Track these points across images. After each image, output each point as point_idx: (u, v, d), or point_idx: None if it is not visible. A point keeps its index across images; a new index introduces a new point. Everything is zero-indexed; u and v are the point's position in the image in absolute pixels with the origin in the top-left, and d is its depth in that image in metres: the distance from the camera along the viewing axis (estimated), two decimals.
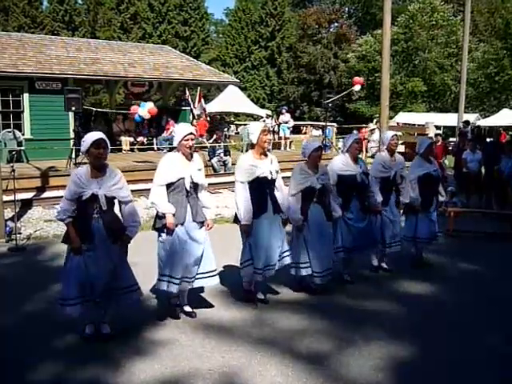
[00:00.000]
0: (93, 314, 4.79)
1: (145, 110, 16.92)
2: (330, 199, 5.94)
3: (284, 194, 5.61)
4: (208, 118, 20.77)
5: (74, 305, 4.54)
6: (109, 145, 4.61)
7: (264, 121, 22.30)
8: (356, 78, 21.68)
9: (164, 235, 4.99)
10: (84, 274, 4.49)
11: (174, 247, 4.96)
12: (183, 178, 4.93)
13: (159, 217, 4.99)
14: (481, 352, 4.71)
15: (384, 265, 7.03)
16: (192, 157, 5.06)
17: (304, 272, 5.83)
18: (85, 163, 4.79)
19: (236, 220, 5.50)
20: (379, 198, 6.56)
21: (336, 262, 6.21)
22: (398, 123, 29.64)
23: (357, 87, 21.37)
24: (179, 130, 5.02)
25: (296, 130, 28.37)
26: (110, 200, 4.59)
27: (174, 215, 4.91)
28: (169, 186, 4.93)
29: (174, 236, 4.96)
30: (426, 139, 7.86)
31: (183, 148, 4.96)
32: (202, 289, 5.60)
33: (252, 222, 5.32)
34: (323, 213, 5.81)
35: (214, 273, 5.19)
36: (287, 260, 5.66)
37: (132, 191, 4.92)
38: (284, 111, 24.35)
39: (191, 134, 4.98)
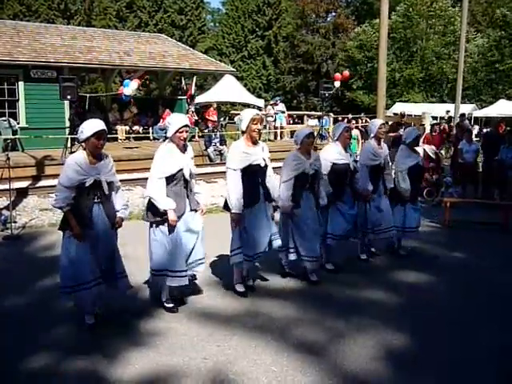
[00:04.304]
0: (94, 302, 4.82)
1: (129, 88, 16.83)
2: (320, 186, 5.95)
3: (275, 181, 5.58)
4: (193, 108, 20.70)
5: (88, 288, 4.58)
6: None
7: (260, 109, 22.18)
8: (338, 75, 21.74)
9: (163, 230, 4.91)
10: (89, 258, 4.55)
11: (176, 241, 4.90)
12: (182, 169, 4.90)
13: (157, 212, 4.87)
14: (478, 340, 4.73)
15: (372, 249, 7.10)
16: (186, 148, 5.03)
17: (292, 257, 5.85)
18: None
19: (226, 207, 5.46)
20: (370, 186, 6.58)
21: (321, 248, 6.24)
22: (394, 113, 29.63)
23: (337, 83, 21.35)
24: (174, 122, 4.92)
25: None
26: (110, 184, 4.68)
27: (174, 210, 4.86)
28: (168, 178, 4.86)
29: (175, 230, 4.90)
30: (414, 129, 7.86)
31: (177, 140, 4.91)
32: (195, 277, 5.56)
33: (244, 211, 5.28)
34: (314, 200, 5.84)
35: (203, 260, 5.18)
36: (277, 243, 5.59)
37: (128, 180, 4.92)
38: (278, 102, 24.33)
39: (186, 126, 4.93)
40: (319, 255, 5.94)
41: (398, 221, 7.03)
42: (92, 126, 4.53)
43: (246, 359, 4.28)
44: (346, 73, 22.26)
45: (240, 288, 5.65)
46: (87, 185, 4.51)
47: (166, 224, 4.88)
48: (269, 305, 5.39)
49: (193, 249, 5.03)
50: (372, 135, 6.84)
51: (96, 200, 4.61)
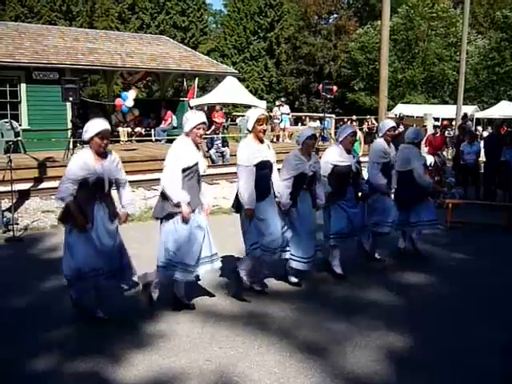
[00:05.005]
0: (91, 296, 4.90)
1: (129, 100, 16.97)
2: (317, 187, 5.97)
3: (278, 180, 5.62)
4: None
5: (97, 276, 4.67)
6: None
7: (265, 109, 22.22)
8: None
9: (176, 223, 4.87)
10: (92, 250, 4.62)
11: (189, 235, 4.89)
12: (197, 163, 4.91)
13: (172, 204, 4.82)
14: (479, 342, 4.72)
15: (376, 255, 7.05)
16: (199, 145, 5.07)
17: (287, 255, 5.83)
18: None
19: (235, 206, 5.46)
20: (384, 180, 6.65)
21: (320, 249, 6.20)
22: (395, 115, 29.63)
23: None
24: (192, 118, 4.94)
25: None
26: (115, 181, 4.83)
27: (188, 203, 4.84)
28: (184, 170, 4.84)
29: (189, 224, 4.88)
30: (420, 130, 7.93)
31: (194, 135, 4.92)
32: (198, 278, 5.53)
33: (256, 206, 5.28)
34: (311, 200, 5.88)
35: (217, 256, 5.16)
36: (287, 255, 5.68)
37: (130, 182, 4.95)
38: (283, 104, 24.40)
39: (204, 123, 4.97)
40: (312, 257, 5.91)
41: (423, 216, 7.08)
42: (95, 125, 4.63)
43: (248, 361, 4.28)
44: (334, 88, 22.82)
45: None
46: (90, 181, 4.59)
47: (179, 217, 4.85)
48: (270, 306, 5.39)
49: (203, 244, 5.02)
50: (381, 134, 6.88)
51: (97, 197, 4.69)
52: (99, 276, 4.69)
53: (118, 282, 4.90)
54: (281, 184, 5.65)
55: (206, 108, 20.35)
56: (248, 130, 5.45)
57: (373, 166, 6.72)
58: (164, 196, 4.90)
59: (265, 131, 5.42)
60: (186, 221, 4.85)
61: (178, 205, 4.80)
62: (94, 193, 4.66)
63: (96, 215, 4.66)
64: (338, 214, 6.24)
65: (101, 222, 4.68)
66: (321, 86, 20.92)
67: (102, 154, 4.70)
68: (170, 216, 4.89)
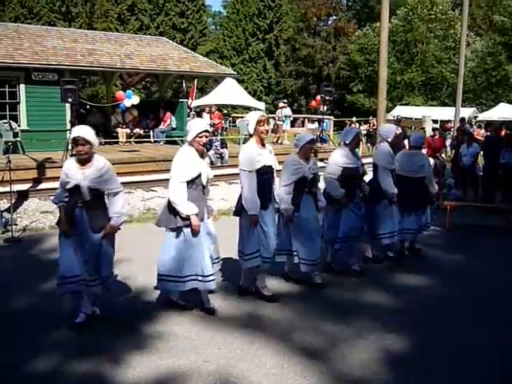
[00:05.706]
0: (85, 300, 4.88)
1: (130, 101, 17.03)
2: (316, 189, 5.99)
3: (277, 187, 5.65)
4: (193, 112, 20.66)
5: (74, 282, 4.68)
6: (92, 140, 4.62)
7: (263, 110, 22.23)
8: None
9: (185, 235, 4.87)
10: (74, 255, 4.68)
11: (196, 246, 4.90)
12: (201, 174, 4.91)
13: (179, 217, 4.83)
14: (479, 343, 4.72)
15: (368, 254, 7.08)
16: (203, 153, 5.04)
17: (296, 260, 5.88)
18: None
19: (237, 213, 5.47)
20: (395, 190, 6.60)
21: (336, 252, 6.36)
22: (394, 117, 29.71)
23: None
24: (195, 126, 4.93)
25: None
26: (94, 191, 4.67)
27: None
28: (188, 182, 4.85)
29: (198, 235, 4.89)
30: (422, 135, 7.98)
31: (196, 144, 4.91)
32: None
33: (260, 212, 5.30)
34: (314, 203, 5.90)
35: (218, 259, 5.20)
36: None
37: (129, 183, 4.92)
38: (286, 106, 24.45)
39: (206, 131, 4.96)
40: (319, 257, 5.93)
41: (425, 220, 7.31)
42: (72, 132, 4.68)
43: (246, 362, 4.28)
44: (318, 98, 23.71)
45: (267, 292, 5.64)
46: (68, 187, 4.63)
47: (187, 229, 4.85)
48: (269, 308, 5.38)
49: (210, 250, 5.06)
50: (389, 140, 6.76)
51: (79, 204, 4.67)
52: (79, 283, 4.68)
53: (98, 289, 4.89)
54: (281, 190, 5.66)
55: (207, 110, 20.38)
56: (250, 133, 5.44)
57: (384, 171, 6.63)
58: (172, 207, 4.88)
59: (267, 131, 5.44)
60: (196, 233, 4.86)
61: (187, 218, 4.80)
62: (76, 200, 4.67)
63: (79, 222, 4.67)
64: (348, 219, 6.28)
65: (84, 229, 4.68)
66: (316, 100, 21.59)
67: (84, 161, 4.65)
68: (180, 228, 4.89)
